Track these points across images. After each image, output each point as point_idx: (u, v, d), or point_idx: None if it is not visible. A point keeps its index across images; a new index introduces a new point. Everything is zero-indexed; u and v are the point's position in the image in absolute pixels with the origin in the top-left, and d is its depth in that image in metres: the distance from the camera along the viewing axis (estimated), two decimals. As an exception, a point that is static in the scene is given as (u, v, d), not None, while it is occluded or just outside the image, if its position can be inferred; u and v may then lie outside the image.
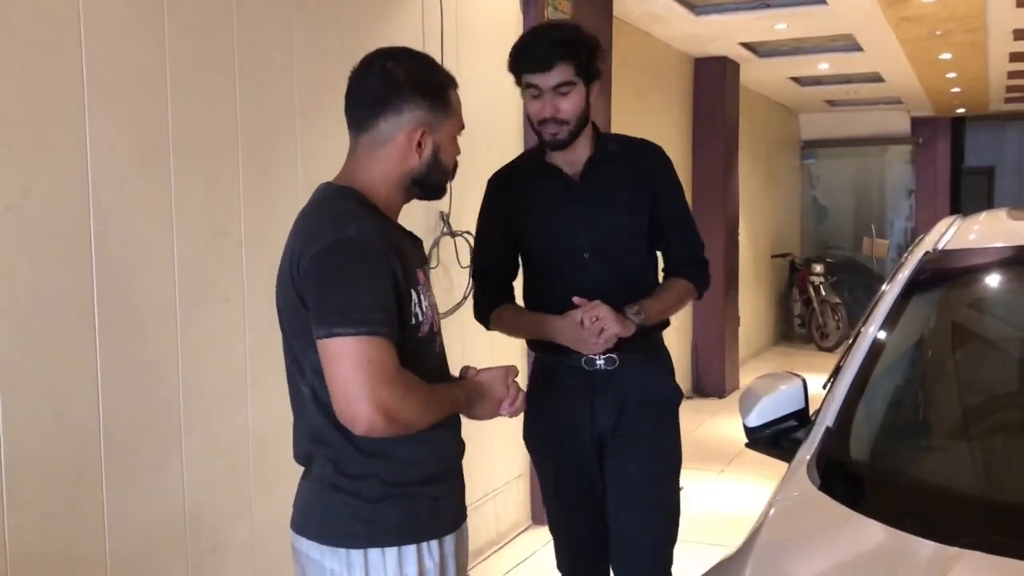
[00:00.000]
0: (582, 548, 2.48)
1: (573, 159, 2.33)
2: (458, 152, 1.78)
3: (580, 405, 2.34)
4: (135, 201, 2.34)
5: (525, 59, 2.25)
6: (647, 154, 2.40)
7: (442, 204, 3.63)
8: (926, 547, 1.46)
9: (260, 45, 2.74)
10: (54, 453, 2.13)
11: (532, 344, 2.47)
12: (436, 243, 3.64)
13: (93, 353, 2.22)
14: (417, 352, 1.64)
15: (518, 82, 2.30)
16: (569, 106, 2.22)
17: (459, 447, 1.77)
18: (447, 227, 3.66)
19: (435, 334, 1.72)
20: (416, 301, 1.63)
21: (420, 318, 1.65)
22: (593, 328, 2.18)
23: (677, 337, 7.27)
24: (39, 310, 2.10)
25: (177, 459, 2.46)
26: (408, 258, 1.65)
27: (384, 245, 1.58)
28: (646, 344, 2.36)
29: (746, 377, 7.98)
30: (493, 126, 3.98)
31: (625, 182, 2.32)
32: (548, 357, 2.40)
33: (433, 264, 3.63)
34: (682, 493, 5.39)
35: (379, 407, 1.48)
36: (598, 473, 2.40)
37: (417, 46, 3.50)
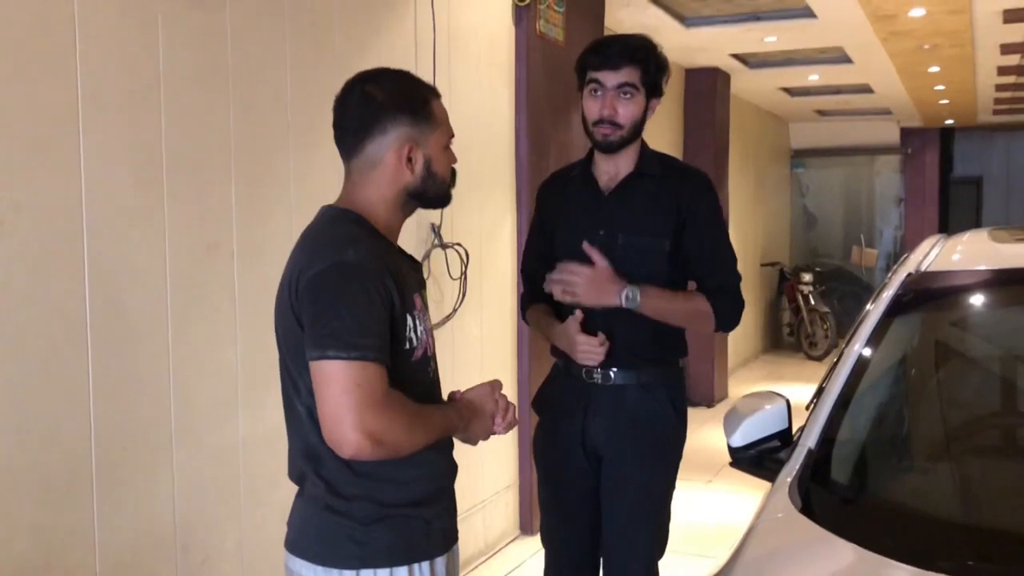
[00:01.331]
0: (572, 561, 2.50)
1: (614, 172, 2.35)
2: (454, 160, 1.79)
3: (575, 418, 2.37)
4: (128, 215, 2.36)
5: (596, 54, 2.28)
6: (684, 179, 2.37)
7: (433, 216, 3.66)
8: (903, 571, 1.48)
9: (253, 60, 2.76)
10: (45, 464, 2.14)
11: (552, 348, 2.51)
12: (427, 255, 3.66)
13: (85, 365, 2.23)
14: (410, 376, 1.66)
15: (581, 83, 2.32)
16: (627, 111, 2.25)
17: (451, 469, 1.79)
18: (438, 239, 3.68)
19: (429, 358, 1.74)
20: (411, 326, 1.65)
21: (415, 343, 1.67)
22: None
23: (666, 346, 7.29)
24: (32, 323, 2.12)
25: (167, 470, 2.48)
26: (406, 282, 1.66)
27: (382, 269, 1.60)
28: (652, 369, 2.34)
29: (735, 386, 8.02)
30: (484, 137, 4.01)
31: (653, 203, 2.31)
32: (560, 361, 2.46)
33: (424, 276, 3.65)
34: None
35: (365, 431, 1.50)
36: (591, 487, 2.41)
37: (410, 59, 3.56)
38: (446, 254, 3.70)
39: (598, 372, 2.33)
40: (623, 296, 2.23)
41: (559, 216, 2.42)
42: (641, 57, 2.24)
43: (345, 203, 1.73)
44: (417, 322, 1.68)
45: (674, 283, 2.35)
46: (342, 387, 1.51)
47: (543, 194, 2.55)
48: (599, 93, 2.26)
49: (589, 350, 2.28)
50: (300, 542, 1.68)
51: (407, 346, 1.65)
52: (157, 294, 2.44)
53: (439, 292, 3.73)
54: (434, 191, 1.75)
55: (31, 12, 2.11)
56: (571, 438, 2.38)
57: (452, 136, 1.79)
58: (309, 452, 1.66)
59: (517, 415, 1.88)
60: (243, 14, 2.71)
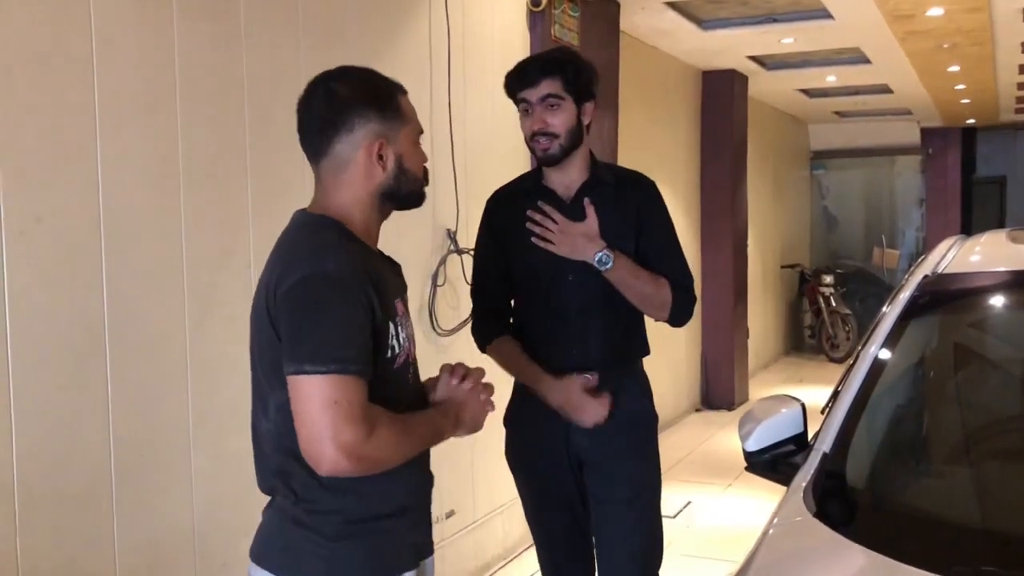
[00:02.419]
0: (564, 567, 2.50)
1: (568, 182, 2.37)
2: (424, 158, 1.74)
3: (554, 427, 2.36)
4: (145, 224, 2.38)
5: (515, 77, 2.34)
6: (638, 186, 2.43)
7: (449, 221, 3.67)
8: (917, 576, 1.47)
9: (268, 68, 2.78)
10: (65, 472, 2.17)
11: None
12: (443, 261, 3.67)
13: (104, 372, 2.26)
14: (392, 382, 1.63)
15: (517, 105, 2.36)
16: (557, 120, 2.28)
17: (424, 482, 1.75)
18: (454, 244, 3.70)
19: (410, 363, 1.70)
20: (393, 333, 1.61)
21: (396, 350, 1.62)
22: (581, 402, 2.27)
23: (686, 350, 7.29)
24: (51, 331, 2.15)
25: (186, 477, 2.50)
26: (387, 289, 1.62)
27: (363, 278, 1.55)
28: (623, 367, 2.39)
29: (755, 389, 7.98)
30: (499, 142, 4.02)
31: (613, 209, 2.34)
32: None
33: (440, 282, 3.67)
34: (689, 506, 5.40)
35: (343, 447, 1.46)
36: (577, 493, 2.42)
37: (424, 65, 3.58)
38: (462, 259, 3.71)
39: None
40: (598, 256, 2.25)
41: (518, 228, 2.38)
42: (556, 68, 2.28)
43: (319, 208, 1.66)
44: (399, 328, 1.63)
45: None
46: (320, 403, 1.46)
47: (494, 210, 2.49)
48: (529, 111, 2.31)
49: (595, 414, 2.28)
50: (265, 553, 1.64)
51: (388, 354, 1.61)
52: (174, 302, 2.47)
53: (455, 297, 3.74)
54: (407, 188, 1.69)
55: (48, 24, 2.14)
56: (554, 448, 2.38)
57: (421, 132, 1.74)
58: (277, 468, 1.62)
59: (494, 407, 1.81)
60: (257, 22, 2.73)
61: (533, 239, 2.30)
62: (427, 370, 1.85)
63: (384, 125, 1.64)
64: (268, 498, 1.70)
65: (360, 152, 1.62)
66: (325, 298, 1.51)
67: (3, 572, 2.03)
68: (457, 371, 1.76)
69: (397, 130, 1.66)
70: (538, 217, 2.30)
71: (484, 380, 1.78)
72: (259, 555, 1.65)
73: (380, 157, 1.64)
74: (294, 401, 1.50)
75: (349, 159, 1.63)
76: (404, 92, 1.71)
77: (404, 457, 1.58)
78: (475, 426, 1.76)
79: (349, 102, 1.62)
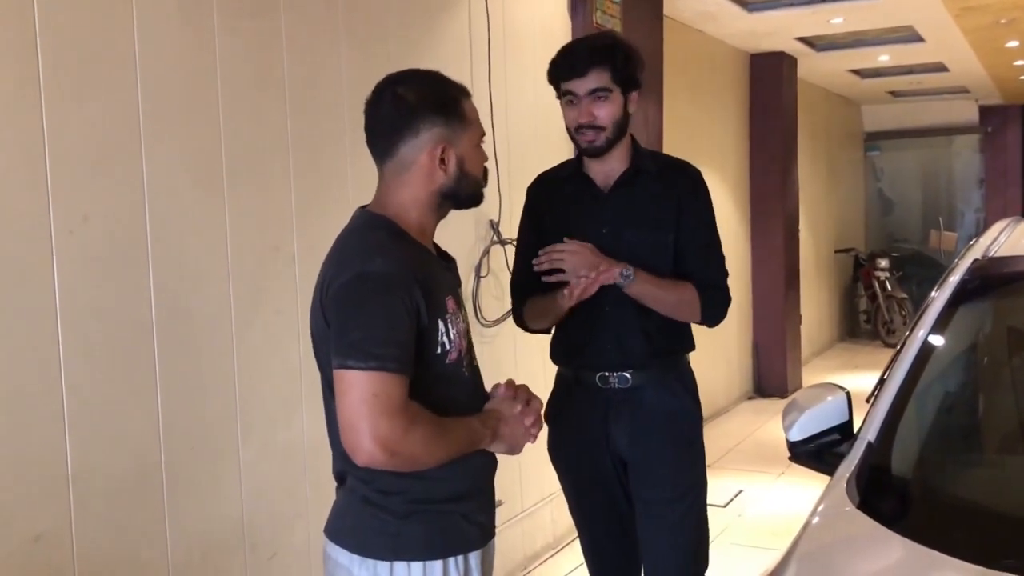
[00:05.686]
0: (609, 566, 2.49)
1: (608, 171, 2.34)
2: (485, 159, 1.79)
3: (595, 425, 2.34)
4: (190, 221, 2.43)
5: (561, 66, 2.28)
6: (681, 175, 2.38)
7: (492, 212, 3.67)
8: (965, 570, 1.43)
9: (309, 64, 2.81)
10: (117, 465, 2.22)
11: (553, 356, 2.47)
12: (487, 251, 3.68)
13: (152, 368, 2.31)
14: (447, 378, 1.68)
15: (558, 94, 2.33)
16: (605, 113, 2.24)
17: (489, 465, 1.80)
18: (497, 235, 3.70)
19: (463, 358, 1.74)
20: (443, 330, 1.66)
21: (447, 346, 1.67)
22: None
23: (738, 337, 7.20)
24: (100, 328, 2.20)
25: (235, 468, 2.54)
26: (437, 287, 1.67)
27: (409, 278, 1.60)
28: (665, 364, 2.35)
29: (809, 376, 7.86)
30: (542, 132, 4.00)
31: (653, 198, 2.31)
32: (566, 371, 2.43)
33: (484, 272, 3.67)
34: (741, 496, 5.34)
35: (378, 440, 1.52)
36: (621, 492, 2.39)
37: (464, 55, 3.58)
38: (505, 250, 3.71)
39: (614, 376, 2.30)
40: (619, 272, 2.19)
41: (555, 216, 2.37)
42: (606, 58, 2.23)
43: (378, 208, 1.73)
44: (449, 326, 1.68)
45: (677, 276, 2.34)
46: (359, 396, 1.52)
47: (535, 195, 2.48)
48: (574, 102, 2.26)
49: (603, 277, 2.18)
50: (338, 530, 1.72)
51: (439, 351, 1.65)
52: (220, 298, 2.51)
53: (499, 288, 3.74)
54: (467, 191, 1.75)
55: (92, 27, 2.18)
56: (596, 446, 2.35)
57: (483, 135, 1.78)
58: (347, 455, 1.67)
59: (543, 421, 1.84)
60: (298, 20, 2.75)
61: (544, 275, 2.23)
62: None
63: (448, 129, 1.69)
64: (319, 488, 1.75)
65: (423, 155, 1.68)
66: (369, 297, 1.57)
67: (59, 564, 2.09)
68: (519, 392, 1.79)
69: (460, 134, 1.71)
70: (543, 258, 2.23)
71: (537, 411, 1.79)
72: (333, 532, 1.73)
73: (442, 160, 1.69)
74: (337, 393, 1.57)
75: (412, 161, 1.69)
76: (468, 96, 1.76)
77: (438, 459, 1.62)
78: (513, 447, 1.78)
79: (415, 107, 1.67)
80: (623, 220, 2.31)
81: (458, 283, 1.81)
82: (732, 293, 2.41)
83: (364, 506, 1.67)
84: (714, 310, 2.33)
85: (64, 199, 2.11)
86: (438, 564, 1.65)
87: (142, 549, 2.28)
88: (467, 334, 1.77)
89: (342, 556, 1.68)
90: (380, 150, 1.72)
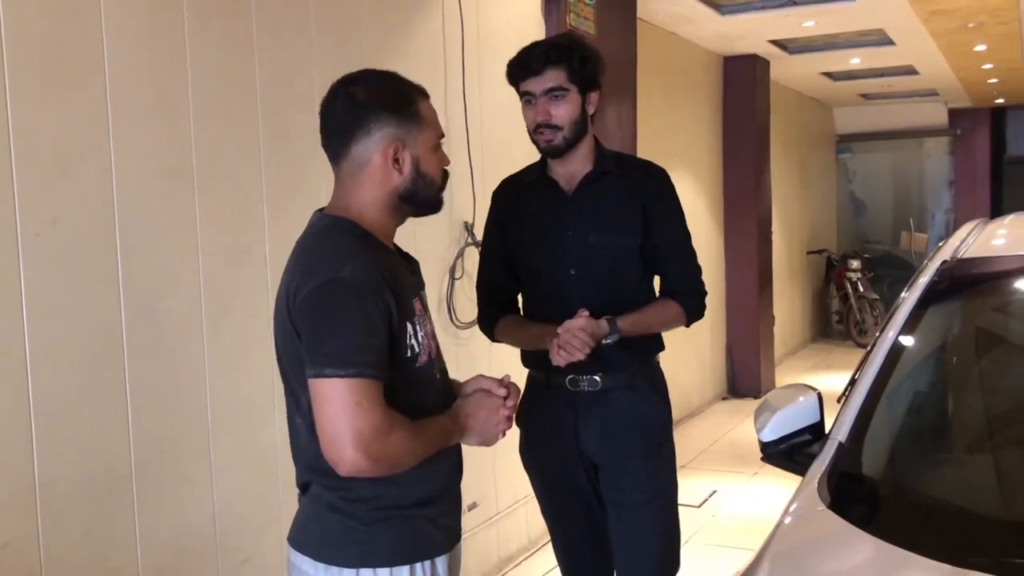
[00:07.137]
0: (581, 568, 2.49)
1: (571, 173, 2.34)
2: (445, 161, 1.76)
3: (566, 428, 2.34)
4: (160, 224, 2.40)
5: (518, 66, 2.29)
6: (648, 175, 2.38)
7: (466, 214, 3.67)
8: (934, 568, 1.44)
9: (281, 65, 2.79)
10: (86, 470, 2.19)
11: (524, 360, 2.47)
12: (460, 253, 3.67)
13: (122, 372, 2.28)
14: (419, 382, 1.67)
15: (519, 95, 2.33)
16: (561, 112, 2.24)
17: (456, 469, 1.79)
18: (471, 237, 3.69)
19: (434, 360, 1.73)
20: (412, 333, 1.64)
21: (416, 349, 1.66)
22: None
23: (711, 338, 7.24)
24: (69, 331, 2.17)
25: (206, 473, 2.52)
26: (404, 290, 1.65)
27: (379, 282, 1.58)
28: (635, 367, 2.35)
29: (782, 376, 7.92)
30: (516, 133, 3.98)
31: (619, 201, 2.31)
32: (537, 374, 2.42)
33: (458, 275, 3.66)
34: (714, 496, 5.37)
35: (362, 450, 1.50)
36: (592, 494, 2.40)
37: (438, 57, 3.57)
38: (479, 252, 3.70)
39: (584, 379, 2.30)
40: (604, 344, 2.21)
41: (520, 221, 2.37)
42: (562, 57, 2.23)
43: (338, 209, 1.69)
44: (417, 328, 1.66)
45: (644, 279, 2.38)
46: (340, 406, 1.50)
47: (500, 199, 2.48)
48: (532, 102, 2.27)
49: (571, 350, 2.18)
50: (303, 538, 1.69)
51: (408, 353, 1.64)
52: (191, 300, 2.48)
53: (473, 290, 3.71)
54: (424, 193, 1.71)
55: (58, 25, 2.15)
56: (566, 449, 2.36)
57: (442, 136, 1.75)
58: (313, 466, 1.66)
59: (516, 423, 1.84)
60: (269, 20, 2.73)
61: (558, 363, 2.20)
62: (448, 363, 1.87)
63: (401, 129, 1.66)
64: (291, 492, 1.73)
65: (376, 155, 1.65)
66: (343, 303, 1.55)
67: (26, 572, 2.06)
68: (497, 383, 1.77)
69: (415, 134, 1.68)
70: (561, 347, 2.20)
71: (511, 403, 1.78)
72: (297, 541, 1.71)
73: (396, 160, 1.66)
74: (315, 403, 1.55)
75: (365, 161, 1.66)
76: (426, 96, 1.73)
77: (417, 459, 1.61)
78: (484, 439, 1.77)
79: (367, 105, 1.65)
80: (588, 224, 2.31)
81: (422, 285, 1.79)
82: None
83: (330, 513, 1.65)
84: (696, 312, 2.40)
85: (31, 201, 2.08)
86: (405, 570, 1.63)
87: (112, 555, 2.25)
88: (434, 336, 1.76)
89: (307, 564, 1.66)
90: (334, 150, 1.69)
